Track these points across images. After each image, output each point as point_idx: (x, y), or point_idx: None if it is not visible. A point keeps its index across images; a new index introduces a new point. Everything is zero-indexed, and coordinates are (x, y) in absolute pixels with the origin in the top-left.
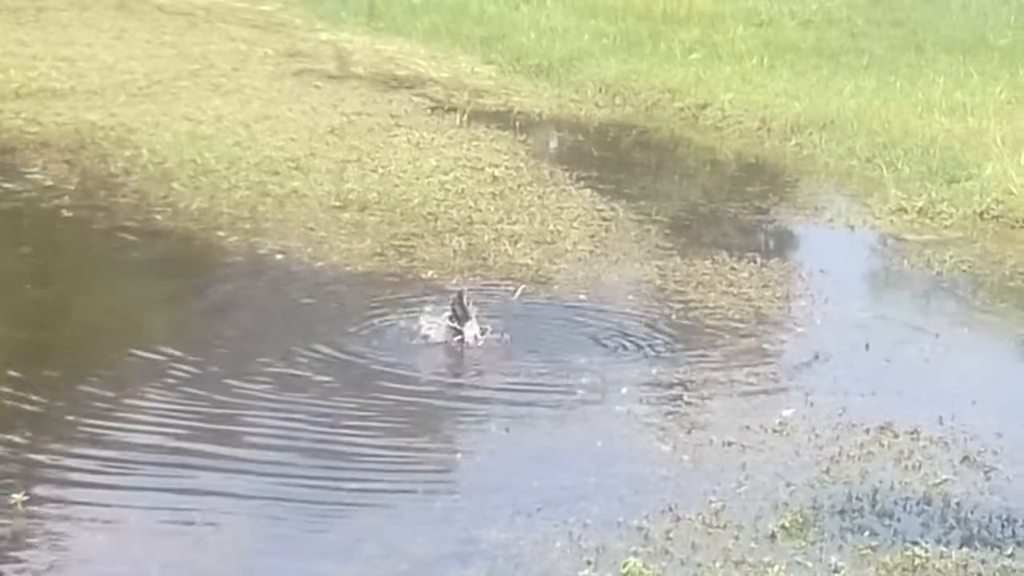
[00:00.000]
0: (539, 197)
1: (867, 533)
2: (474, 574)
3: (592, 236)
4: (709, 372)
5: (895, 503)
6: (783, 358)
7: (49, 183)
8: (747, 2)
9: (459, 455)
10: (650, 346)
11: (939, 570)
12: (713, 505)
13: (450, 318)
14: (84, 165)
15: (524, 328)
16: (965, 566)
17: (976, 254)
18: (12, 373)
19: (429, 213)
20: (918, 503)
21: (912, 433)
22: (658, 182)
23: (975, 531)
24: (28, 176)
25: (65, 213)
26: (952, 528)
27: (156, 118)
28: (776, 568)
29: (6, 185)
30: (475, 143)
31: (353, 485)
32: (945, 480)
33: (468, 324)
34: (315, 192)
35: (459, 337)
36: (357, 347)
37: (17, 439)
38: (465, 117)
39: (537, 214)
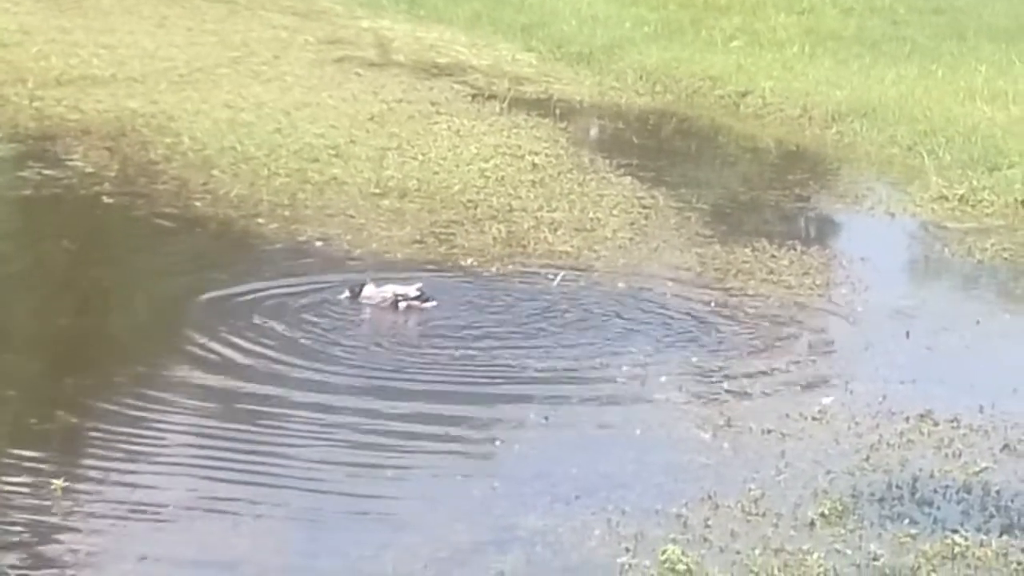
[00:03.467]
0: (579, 185)
1: (906, 521)
2: (512, 561)
3: (632, 224)
4: (749, 360)
5: (935, 491)
6: (823, 346)
7: (90, 170)
8: None
9: (498, 443)
10: (689, 334)
11: (979, 558)
12: (752, 493)
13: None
14: (125, 152)
15: (562, 316)
16: (1005, 554)
17: (1018, 242)
18: (52, 358)
19: (469, 200)
20: (958, 491)
21: (952, 421)
22: (698, 170)
23: (1015, 519)
24: (69, 163)
25: (105, 200)
26: (992, 516)
27: (196, 105)
28: (815, 556)
29: (47, 172)
30: (515, 131)
31: (391, 473)
32: (985, 468)
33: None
34: (355, 179)
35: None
36: (391, 331)
37: (56, 425)
38: (505, 105)
39: (577, 202)
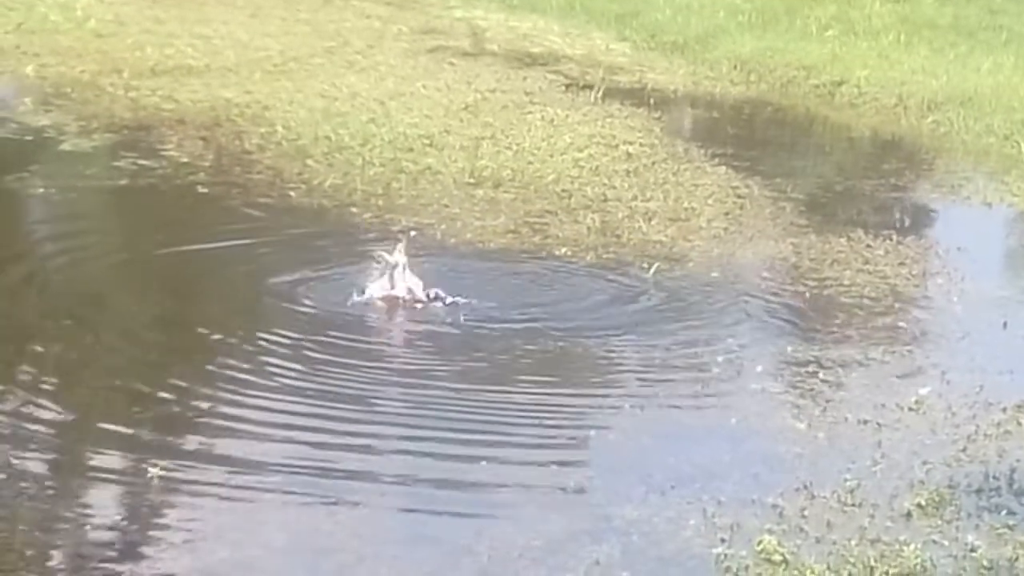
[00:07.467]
0: (673, 174)
1: (1004, 512)
2: (608, 551)
3: (727, 213)
4: (844, 350)
5: None
6: (919, 336)
7: (184, 160)
8: None
9: (593, 432)
10: (785, 324)
11: None
12: (848, 483)
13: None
14: (219, 142)
15: (658, 305)
16: None
17: None
18: (149, 349)
19: (563, 190)
20: None
21: None
22: (793, 159)
23: None
24: (164, 153)
25: (200, 189)
26: None
27: (291, 95)
28: (912, 547)
29: (142, 162)
30: (609, 120)
31: (486, 462)
32: None
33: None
34: (449, 169)
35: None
36: (482, 324)
37: (154, 414)
38: (599, 94)
39: (671, 191)
